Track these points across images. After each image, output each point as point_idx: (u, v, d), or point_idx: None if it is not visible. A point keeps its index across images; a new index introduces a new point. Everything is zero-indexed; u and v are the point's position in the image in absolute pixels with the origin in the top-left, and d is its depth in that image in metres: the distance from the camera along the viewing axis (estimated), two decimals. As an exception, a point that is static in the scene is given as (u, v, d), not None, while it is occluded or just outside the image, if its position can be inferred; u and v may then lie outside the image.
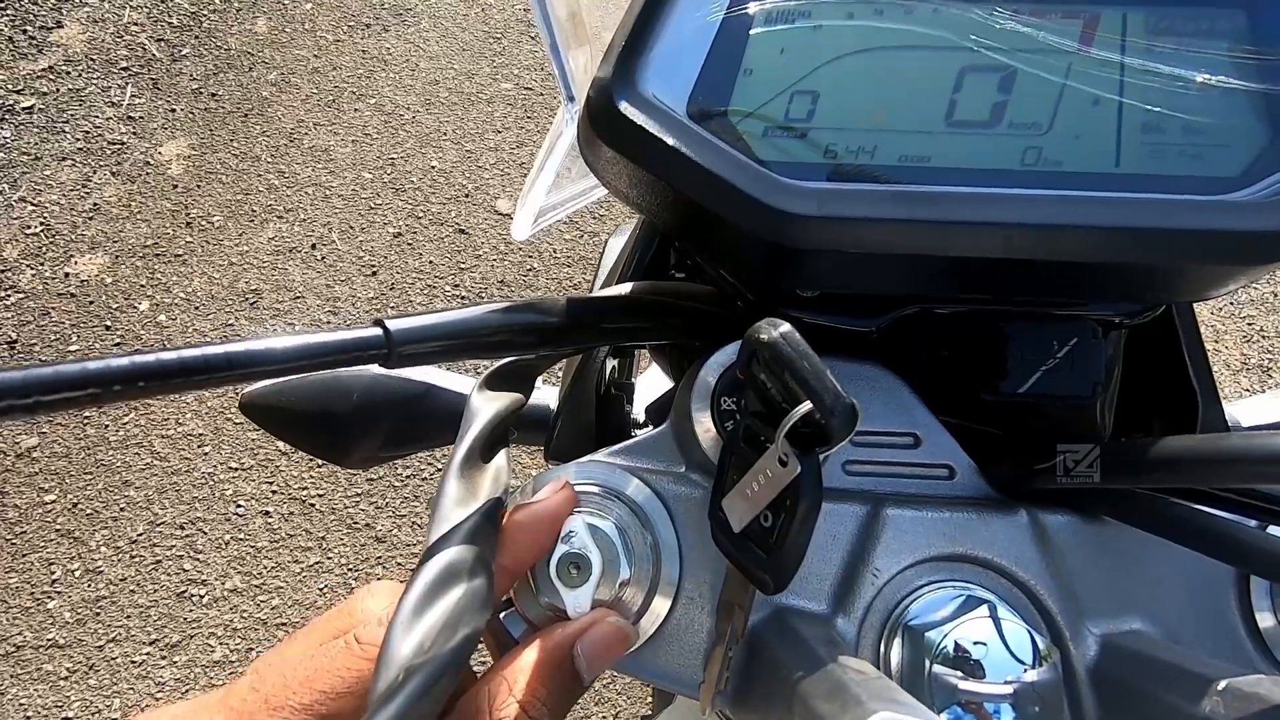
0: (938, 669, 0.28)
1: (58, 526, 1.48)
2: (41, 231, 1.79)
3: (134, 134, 1.92)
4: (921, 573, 0.32)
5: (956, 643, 0.28)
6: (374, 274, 1.79)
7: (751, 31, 0.29)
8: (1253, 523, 0.28)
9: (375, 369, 0.44)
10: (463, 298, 1.78)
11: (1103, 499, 0.31)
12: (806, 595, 0.32)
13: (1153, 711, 0.27)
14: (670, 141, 0.29)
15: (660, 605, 0.32)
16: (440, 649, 0.21)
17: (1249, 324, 1.97)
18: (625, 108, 0.29)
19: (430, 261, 1.83)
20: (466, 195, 1.90)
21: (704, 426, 0.33)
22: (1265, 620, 0.31)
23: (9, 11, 2.06)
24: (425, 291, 1.77)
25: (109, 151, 1.90)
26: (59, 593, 1.43)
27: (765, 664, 0.29)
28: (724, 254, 0.35)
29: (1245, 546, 0.26)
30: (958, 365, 0.36)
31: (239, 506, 1.51)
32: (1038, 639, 0.29)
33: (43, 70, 1.99)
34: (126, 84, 1.99)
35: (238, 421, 1.59)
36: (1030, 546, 0.32)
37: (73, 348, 1.66)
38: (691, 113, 0.29)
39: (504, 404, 0.31)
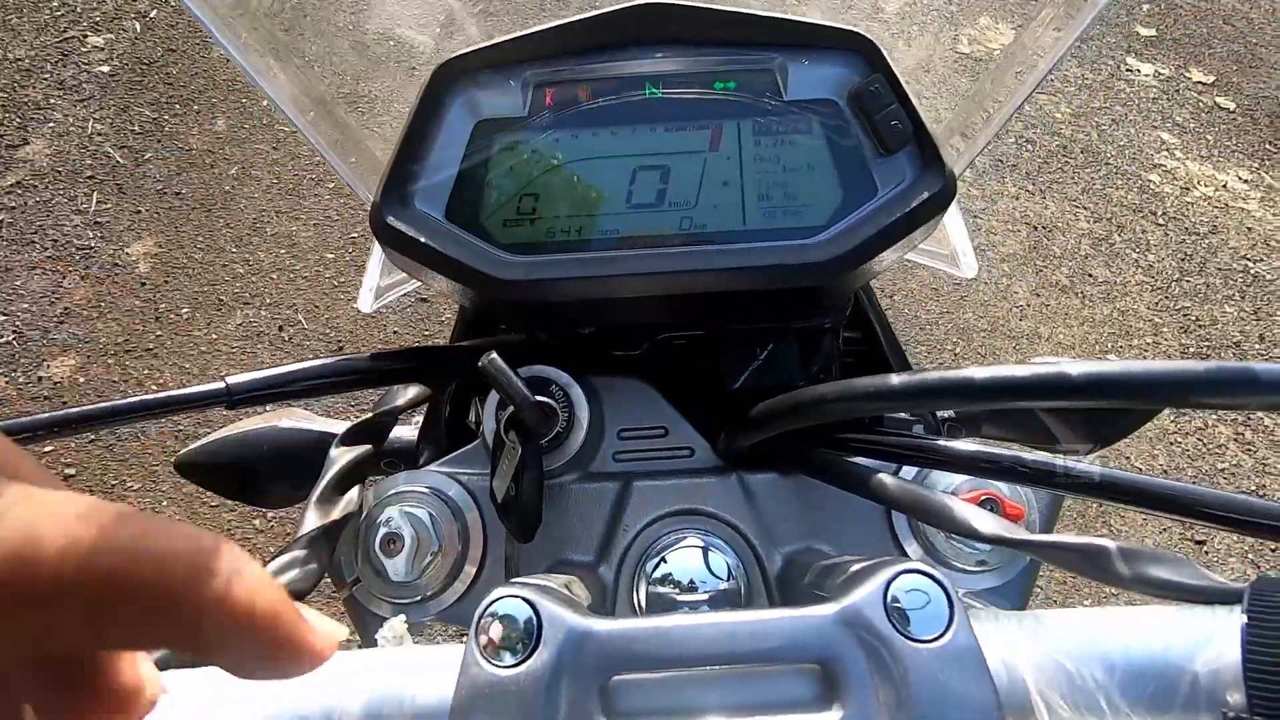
0: (661, 589, 0.38)
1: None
2: (14, 340, 1.85)
3: (101, 238, 2.01)
4: (663, 526, 0.42)
5: (675, 570, 0.38)
6: (340, 349, 1.86)
7: (490, 156, 0.41)
8: (893, 467, 0.37)
9: (284, 423, 0.53)
10: (427, 363, 1.84)
11: (792, 459, 0.41)
12: (579, 550, 0.42)
13: (808, 595, 0.34)
14: (426, 241, 0.40)
15: (469, 569, 0.41)
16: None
17: (1184, 315, 2.06)
18: (393, 221, 0.40)
19: (395, 332, 1.90)
20: (424, 265, 1.98)
21: (490, 434, 0.43)
22: (911, 546, 0.40)
23: (-22, 135, 2.16)
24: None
25: (78, 257, 1.98)
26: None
27: None
28: (494, 311, 0.47)
29: (878, 486, 0.34)
30: (700, 372, 0.48)
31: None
32: (730, 563, 0.39)
33: (10, 186, 2.08)
34: (92, 191, 2.08)
35: (214, 504, 1.62)
36: (738, 499, 0.42)
37: (48, 447, 1.70)
38: (450, 217, 0.41)
39: (355, 454, 0.41)
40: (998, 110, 0.47)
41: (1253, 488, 1.81)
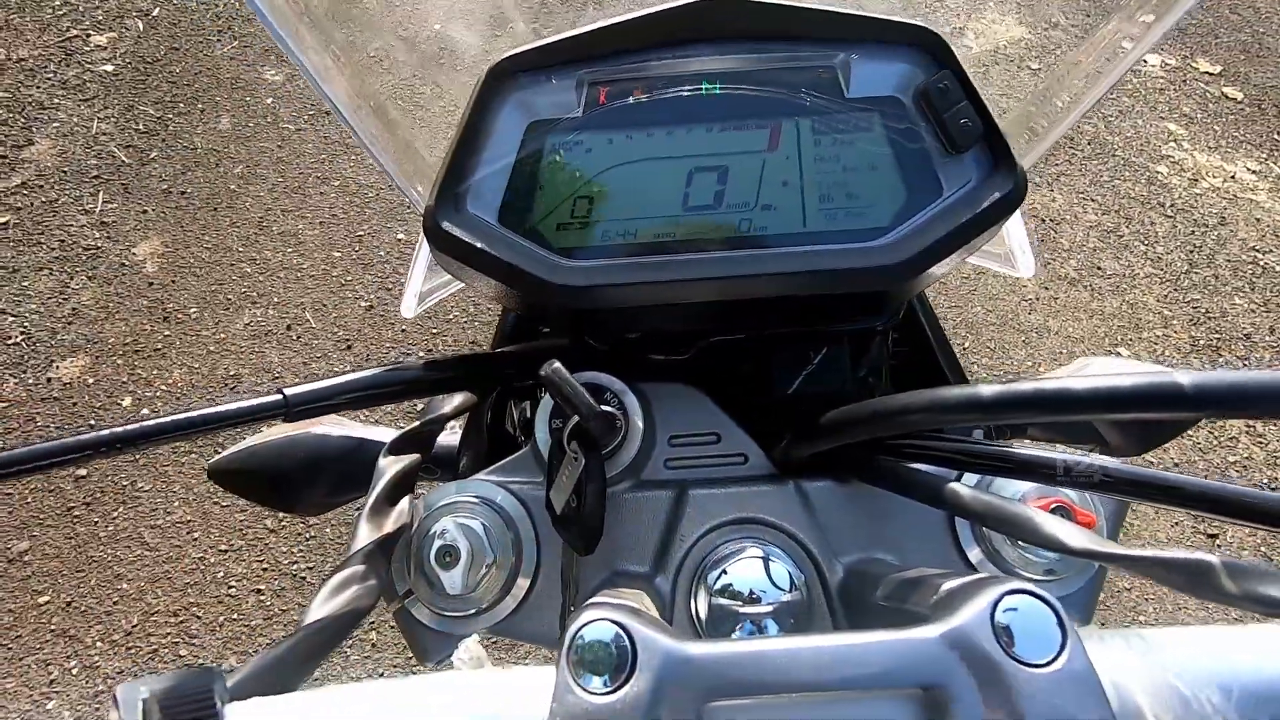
0: (723, 601, 0.37)
1: (53, 627, 1.50)
2: (22, 340, 1.84)
3: (108, 238, 2.00)
4: (719, 536, 0.41)
5: (736, 581, 0.37)
6: (349, 348, 1.85)
7: (542, 158, 0.40)
8: (954, 473, 0.36)
9: (318, 429, 0.51)
10: (437, 361, 1.83)
11: (847, 465, 0.40)
12: (634, 560, 0.41)
13: (880, 610, 0.34)
14: (480, 245, 0.39)
15: (523, 582, 0.40)
16: (334, 615, 0.31)
17: (1194, 307, 2.05)
18: (447, 225, 0.39)
19: (403, 330, 1.89)
20: (433, 263, 1.97)
21: (543, 443, 0.42)
22: (973, 552, 0.39)
23: (-19, 135, 2.15)
24: (400, 359, 1.83)
25: (84, 257, 1.97)
26: (58, 692, 1.44)
27: None
28: (544, 317, 0.45)
29: (939, 492, 0.33)
30: (750, 376, 0.46)
31: (231, 588, 1.53)
32: (793, 573, 0.38)
33: (16, 187, 2.07)
34: (98, 191, 2.07)
35: (225, 504, 1.62)
36: (796, 507, 0.41)
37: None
38: (503, 221, 0.40)
39: (405, 464, 0.40)
40: (1068, 108, 0.46)
41: (1264, 480, 1.81)
